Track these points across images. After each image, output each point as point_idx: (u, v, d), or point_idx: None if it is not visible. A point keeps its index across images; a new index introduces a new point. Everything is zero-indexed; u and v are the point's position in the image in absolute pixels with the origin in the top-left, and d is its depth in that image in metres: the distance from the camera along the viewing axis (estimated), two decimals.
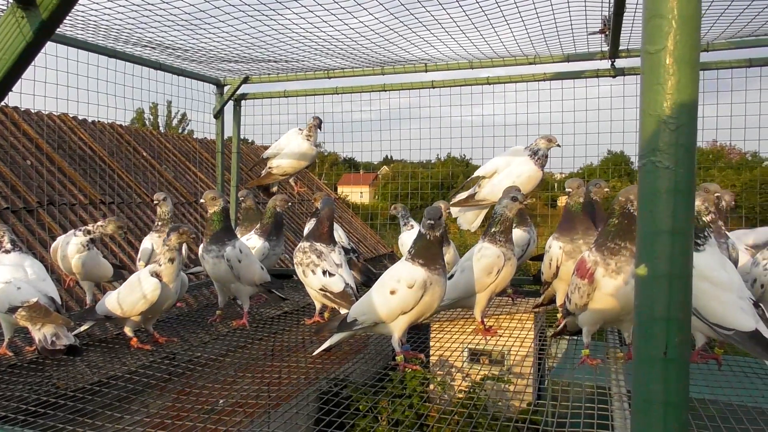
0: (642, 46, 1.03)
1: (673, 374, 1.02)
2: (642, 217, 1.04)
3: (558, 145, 3.42)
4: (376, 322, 2.40)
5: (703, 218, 2.08)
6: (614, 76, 3.58)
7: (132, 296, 2.62)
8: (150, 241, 3.50)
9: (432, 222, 2.31)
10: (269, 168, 3.90)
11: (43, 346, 2.42)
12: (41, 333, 2.43)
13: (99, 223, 3.24)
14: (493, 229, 2.68)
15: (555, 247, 2.83)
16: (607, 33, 2.97)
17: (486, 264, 2.63)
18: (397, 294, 2.31)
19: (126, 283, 2.71)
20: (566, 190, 2.89)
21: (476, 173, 3.69)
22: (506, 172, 3.50)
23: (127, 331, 2.74)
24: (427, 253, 2.32)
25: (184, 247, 3.52)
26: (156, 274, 2.63)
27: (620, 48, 3.31)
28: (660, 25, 0.99)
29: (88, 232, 3.18)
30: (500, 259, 2.63)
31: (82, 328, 2.79)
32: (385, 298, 2.34)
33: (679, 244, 1.01)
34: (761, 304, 1.96)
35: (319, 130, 3.84)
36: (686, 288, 1.03)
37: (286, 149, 3.84)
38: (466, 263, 2.70)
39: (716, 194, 2.29)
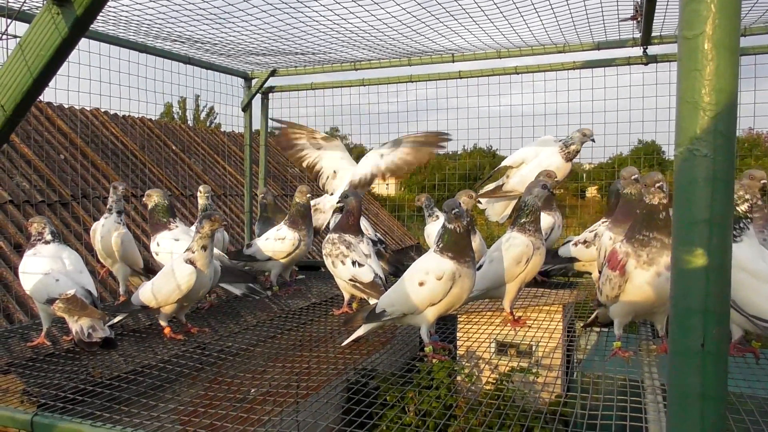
0: (678, 31, 1.01)
1: (711, 367, 1.01)
2: (678, 206, 1.02)
3: (592, 140, 3.38)
4: (405, 314, 2.41)
5: (739, 208, 2.01)
6: (646, 64, 3.50)
7: (168, 285, 2.65)
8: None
9: (457, 212, 2.30)
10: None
11: (80, 338, 2.49)
12: (78, 325, 2.50)
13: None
14: (522, 219, 2.66)
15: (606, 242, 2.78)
16: (639, 19, 2.90)
17: (516, 253, 2.62)
18: (426, 285, 2.31)
19: (160, 273, 2.76)
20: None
21: (504, 163, 3.66)
22: (534, 163, 3.47)
23: (162, 320, 2.79)
24: (456, 245, 2.32)
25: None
26: (190, 261, 2.66)
27: (653, 35, 3.23)
28: (698, 9, 0.97)
29: (112, 206, 3.26)
30: (529, 248, 2.61)
31: (116, 320, 2.85)
32: (414, 289, 2.34)
33: (717, 234, 0.99)
34: None
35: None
36: (725, 280, 1.01)
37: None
38: (495, 253, 2.69)
39: (762, 180, 2.20)
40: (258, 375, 2.36)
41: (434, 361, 2.40)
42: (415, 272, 2.39)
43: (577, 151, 3.38)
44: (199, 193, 3.79)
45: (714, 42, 0.96)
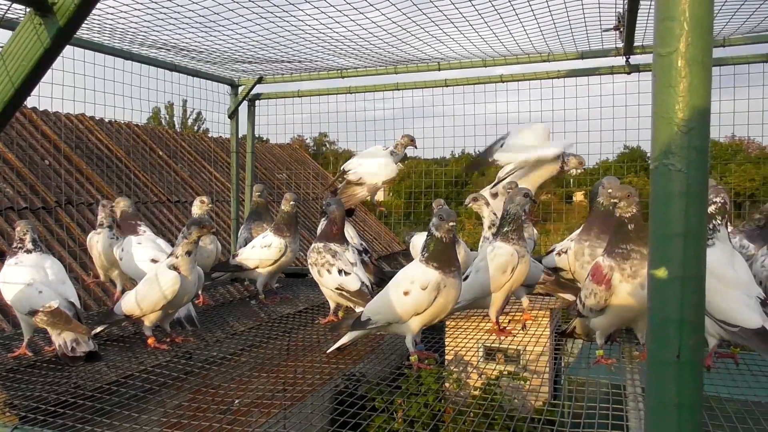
0: (654, 48, 1.03)
1: (687, 376, 1.02)
2: (654, 220, 1.04)
3: (582, 170, 3.46)
4: (390, 322, 2.41)
5: (709, 209, 2.02)
6: (629, 73, 3.55)
7: (152, 292, 2.62)
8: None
9: (453, 225, 2.30)
10: (345, 171, 3.76)
11: (63, 351, 2.43)
12: (61, 338, 2.44)
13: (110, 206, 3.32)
14: (505, 228, 2.68)
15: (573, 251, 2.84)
16: (621, 30, 2.95)
17: (500, 263, 2.63)
18: (411, 295, 2.32)
19: (143, 281, 2.72)
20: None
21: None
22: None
23: (145, 330, 2.76)
24: (442, 255, 2.32)
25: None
26: (174, 267, 2.64)
27: (635, 44, 3.28)
28: (671, 27, 0.99)
29: (104, 221, 3.27)
30: (514, 257, 2.62)
31: (98, 330, 2.80)
32: (398, 298, 2.35)
33: (691, 246, 1.01)
34: None
35: (414, 148, 3.75)
36: (699, 290, 1.03)
37: (365, 161, 3.73)
38: (481, 263, 2.70)
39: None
40: (243, 384, 2.35)
41: (421, 369, 2.40)
42: (400, 281, 2.39)
43: (569, 168, 3.47)
44: (196, 205, 3.61)
45: (687, 59, 0.99)
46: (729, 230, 2.15)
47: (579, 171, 3.47)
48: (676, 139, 1.00)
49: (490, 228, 3.04)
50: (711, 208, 2.03)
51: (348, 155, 4.61)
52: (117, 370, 2.49)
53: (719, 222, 2.04)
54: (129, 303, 2.69)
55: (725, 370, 2.24)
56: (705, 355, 2.15)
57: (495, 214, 3.03)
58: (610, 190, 2.68)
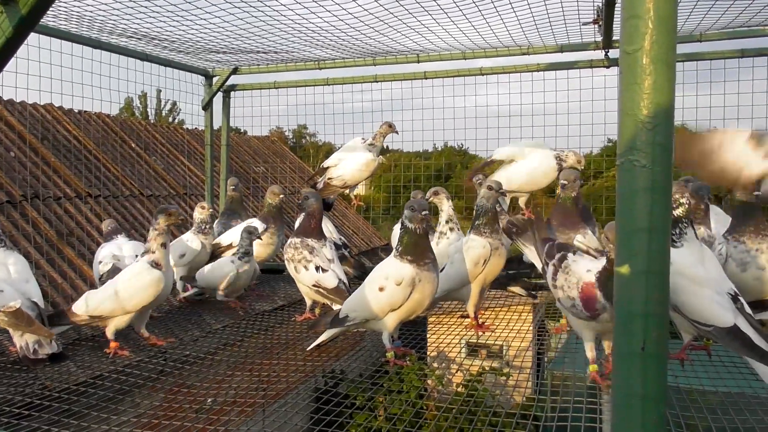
0: (620, 45, 1.07)
1: (651, 369, 1.07)
2: (620, 215, 1.08)
3: (580, 169, 3.45)
4: (367, 319, 2.44)
5: (675, 211, 2.05)
6: (608, 67, 3.61)
7: (136, 291, 2.53)
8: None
9: (426, 214, 2.32)
10: (328, 178, 3.76)
11: (24, 354, 2.38)
12: (23, 340, 2.40)
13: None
14: (477, 222, 2.75)
15: None
16: (600, 23, 3.00)
17: (473, 255, 2.70)
18: (386, 291, 2.34)
19: (121, 280, 2.60)
20: (561, 182, 2.93)
21: (494, 156, 3.70)
22: (522, 163, 3.52)
23: (110, 333, 2.61)
24: (415, 248, 2.34)
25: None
26: (155, 264, 2.57)
27: (613, 38, 3.34)
28: (637, 25, 1.03)
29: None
30: (486, 249, 2.69)
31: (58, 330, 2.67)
32: (374, 295, 2.37)
33: (656, 241, 1.05)
34: (740, 297, 1.99)
35: (397, 134, 3.75)
36: (663, 284, 1.07)
37: (346, 160, 3.74)
38: (456, 255, 2.77)
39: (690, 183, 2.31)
40: (216, 384, 2.35)
41: (397, 366, 2.44)
42: (375, 277, 2.41)
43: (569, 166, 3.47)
44: (197, 210, 3.53)
45: (652, 57, 1.03)
46: (697, 229, 2.20)
47: (581, 167, 3.46)
48: (641, 135, 1.04)
49: (447, 222, 3.11)
50: (678, 211, 2.06)
51: (328, 148, 4.62)
52: (87, 369, 2.47)
53: (686, 224, 2.07)
54: (107, 302, 2.54)
55: (698, 363, 2.31)
56: (679, 350, 2.22)
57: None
58: (563, 181, 2.86)
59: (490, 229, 2.73)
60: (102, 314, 2.57)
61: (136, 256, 2.79)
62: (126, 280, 2.59)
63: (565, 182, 2.87)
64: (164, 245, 2.61)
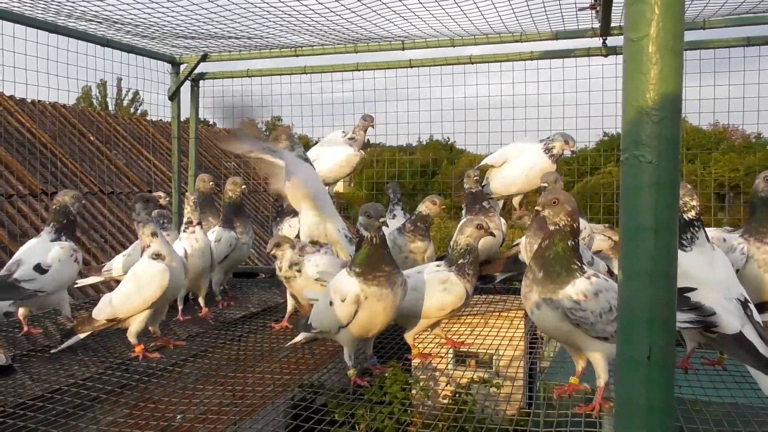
0: (624, 32, 1.07)
1: (657, 378, 1.07)
2: (624, 213, 1.09)
3: (573, 152, 3.47)
4: (323, 332, 2.45)
5: (686, 215, 2.09)
6: (606, 55, 3.63)
7: (141, 287, 2.59)
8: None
9: (383, 221, 2.18)
10: None
11: None
12: None
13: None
14: (461, 261, 2.52)
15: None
16: (597, 9, 3.01)
17: (446, 301, 2.51)
18: (334, 306, 2.27)
19: (127, 281, 2.67)
20: (542, 185, 2.93)
21: (484, 162, 3.73)
22: (517, 163, 3.55)
23: (131, 337, 2.68)
24: (368, 259, 2.20)
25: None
26: (157, 256, 2.61)
27: (612, 25, 3.36)
28: (642, 10, 1.03)
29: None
30: (462, 299, 2.51)
31: (68, 343, 2.71)
32: (325, 308, 2.33)
33: (662, 240, 1.06)
34: (750, 304, 2.02)
35: (372, 129, 3.74)
36: (670, 287, 1.08)
37: (326, 155, 3.71)
38: (420, 283, 2.52)
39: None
40: (186, 398, 2.33)
41: (357, 384, 2.38)
42: (329, 289, 2.35)
43: (560, 154, 3.47)
44: (186, 200, 3.36)
45: (658, 44, 1.03)
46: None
47: (573, 150, 3.49)
48: (647, 128, 1.04)
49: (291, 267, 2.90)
50: (691, 214, 2.10)
51: (305, 141, 4.59)
52: (43, 383, 2.43)
53: (698, 227, 2.10)
54: (116, 304, 2.62)
55: (702, 372, 2.33)
56: (683, 358, 2.24)
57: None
58: (543, 184, 2.89)
59: (473, 270, 2.53)
60: (127, 315, 2.63)
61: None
62: (128, 282, 2.66)
63: (546, 185, 2.90)
64: (155, 234, 2.65)
